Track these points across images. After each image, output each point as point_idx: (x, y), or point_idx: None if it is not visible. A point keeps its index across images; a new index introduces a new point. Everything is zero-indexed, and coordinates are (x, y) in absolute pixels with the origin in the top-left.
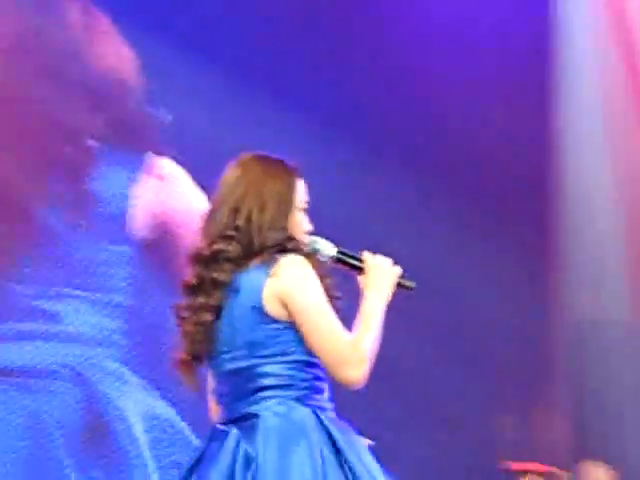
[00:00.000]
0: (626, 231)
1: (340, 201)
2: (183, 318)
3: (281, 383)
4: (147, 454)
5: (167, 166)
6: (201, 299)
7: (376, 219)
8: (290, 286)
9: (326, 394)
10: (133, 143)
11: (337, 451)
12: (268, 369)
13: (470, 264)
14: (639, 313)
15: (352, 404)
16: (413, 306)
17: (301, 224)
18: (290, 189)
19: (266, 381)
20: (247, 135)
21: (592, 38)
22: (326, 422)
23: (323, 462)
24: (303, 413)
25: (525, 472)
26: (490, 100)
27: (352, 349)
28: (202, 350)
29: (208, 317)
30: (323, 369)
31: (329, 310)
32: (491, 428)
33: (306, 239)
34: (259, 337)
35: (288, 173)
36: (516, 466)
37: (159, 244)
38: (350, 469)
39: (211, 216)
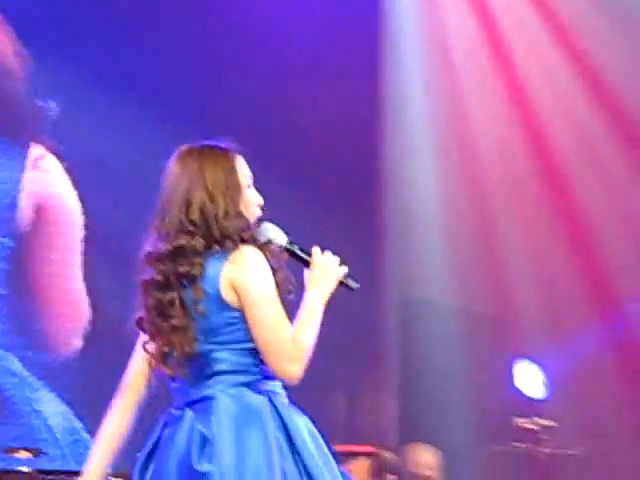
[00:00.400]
0: (449, 217)
1: None
2: (154, 315)
3: (235, 369)
4: None
5: (47, 159)
6: (172, 294)
7: None
8: (242, 274)
9: (279, 381)
10: (19, 134)
11: (289, 438)
12: (223, 355)
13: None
14: (462, 296)
15: None
16: None
17: (252, 200)
18: (231, 172)
19: (221, 366)
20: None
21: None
22: (280, 408)
23: (278, 449)
24: (258, 399)
25: (352, 454)
26: (323, 93)
27: (292, 344)
28: (176, 342)
29: (180, 311)
30: None
31: (276, 302)
32: (320, 408)
33: (260, 227)
34: (216, 323)
35: (224, 156)
36: (342, 448)
37: (35, 237)
38: (299, 456)
39: (161, 214)
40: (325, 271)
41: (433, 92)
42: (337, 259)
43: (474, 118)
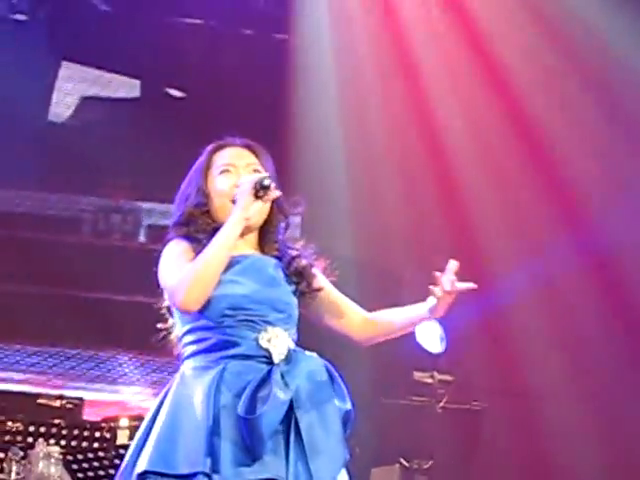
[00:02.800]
0: (350, 169)
1: None
2: None
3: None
4: None
5: None
6: None
7: None
8: None
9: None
10: None
11: None
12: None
13: None
14: (364, 250)
15: None
16: None
17: (218, 187)
18: (196, 171)
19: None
20: None
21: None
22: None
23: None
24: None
25: None
26: None
27: (175, 280)
28: None
29: None
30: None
31: (169, 265)
32: None
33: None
34: None
35: (198, 163)
36: None
37: None
38: None
39: None
40: (239, 191)
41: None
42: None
43: None
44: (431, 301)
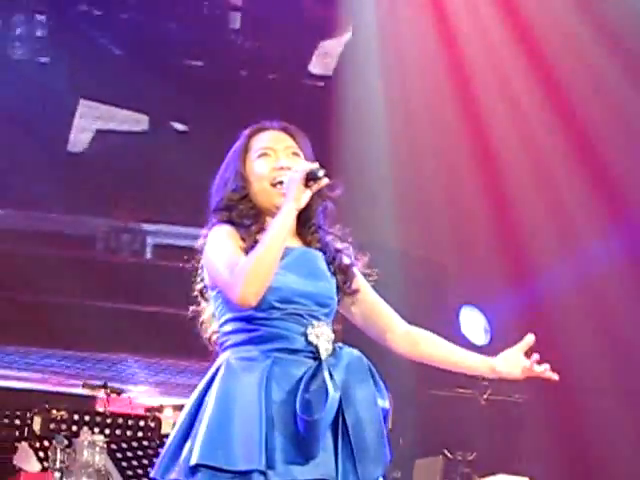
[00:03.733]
0: (395, 161)
1: None
2: None
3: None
4: None
5: None
6: None
7: None
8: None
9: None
10: None
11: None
12: None
13: None
14: (409, 241)
15: None
16: None
17: (257, 170)
18: (233, 155)
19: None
20: None
21: None
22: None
23: None
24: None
25: None
26: None
27: (229, 274)
28: None
29: None
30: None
31: (221, 252)
32: None
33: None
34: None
35: (236, 147)
36: None
37: None
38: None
39: None
40: (286, 185)
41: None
42: (299, 164)
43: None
44: (495, 361)
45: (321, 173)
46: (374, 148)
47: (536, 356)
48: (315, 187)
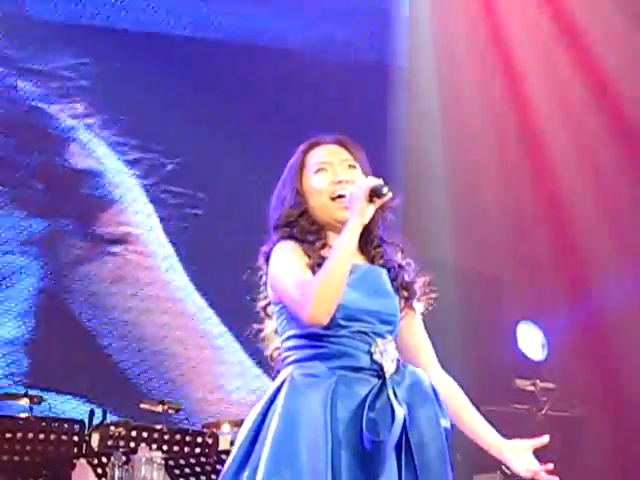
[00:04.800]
0: (451, 175)
1: None
2: None
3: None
4: None
5: None
6: None
7: None
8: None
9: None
10: None
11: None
12: None
13: None
14: (464, 256)
15: None
16: None
17: (314, 186)
18: (289, 172)
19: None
20: None
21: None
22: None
23: None
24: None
25: None
26: None
27: (298, 295)
28: None
29: None
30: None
31: (289, 272)
32: None
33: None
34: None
35: (291, 163)
36: None
37: None
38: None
39: None
40: (351, 200)
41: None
42: (364, 180)
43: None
44: (506, 447)
45: (385, 190)
46: (430, 159)
47: (550, 466)
48: (379, 202)
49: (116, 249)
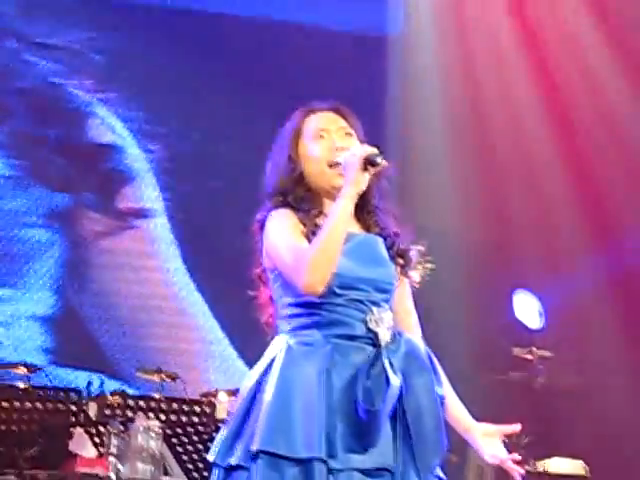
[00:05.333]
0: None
1: None
2: None
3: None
4: None
5: None
6: None
7: None
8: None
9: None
10: None
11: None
12: None
13: None
14: (462, 224)
15: None
16: None
17: (311, 152)
18: (285, 136)
19: None
20: None
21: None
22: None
23: None
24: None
25: None
26: None
27: (294, 262)
28: None
29: None
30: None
31: (284, 238)
32: None
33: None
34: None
35: (287, 130)
36: None
37: None
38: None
39: None
40: (346, 167)
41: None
42: (357, 146)
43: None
44: (478, 431)
45: (379, 158)
46: (429, 126)
47: (517, 456)
48: (373, 171)
49: (137, 223)
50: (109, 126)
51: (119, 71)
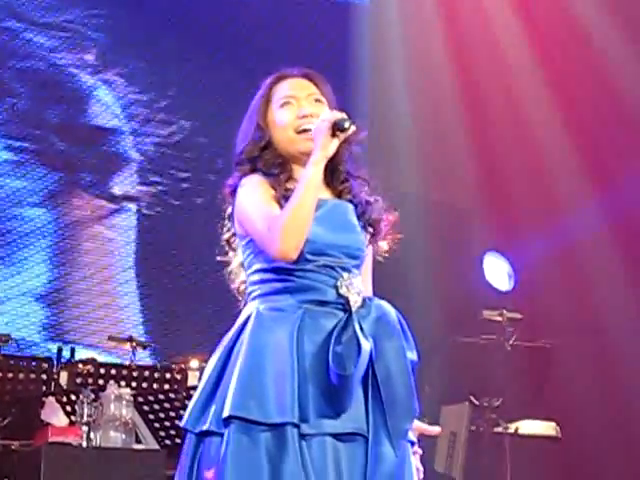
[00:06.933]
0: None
1: None
2: None
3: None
4: None
5: None
6: None
7: None
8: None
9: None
10: None
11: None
12: None
13: None
14: (430, 187)
15: None
16: None
17: (279, 119)
18: (256, 105)
19: None
20: None
21: None
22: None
23: None
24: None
25: None
26: None
27: (265, 229)
28: None
29: None
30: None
31: (254, 203)
32: None
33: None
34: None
35: (257, 97)
36: None
37: None
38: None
39: None
40: (315, 134)
41: None
42: (327, 113)
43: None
44: None
45: (347, 124)
46: (395, 94)
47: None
48: (342, 136)
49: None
50: (107, 107)
51: (119, 49)
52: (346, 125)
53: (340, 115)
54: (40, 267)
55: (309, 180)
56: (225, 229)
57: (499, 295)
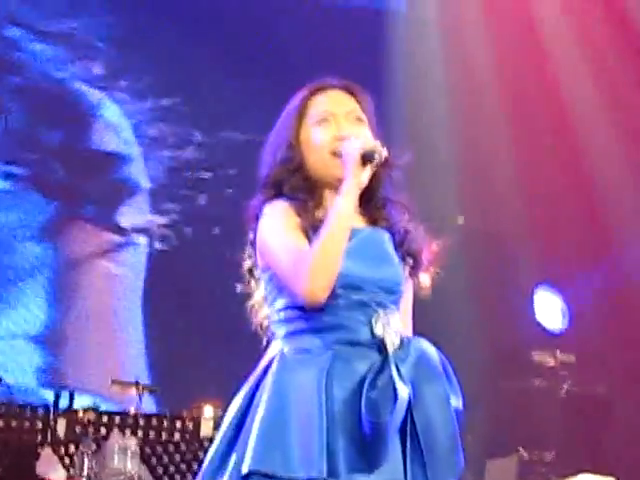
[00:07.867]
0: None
1: None
2: None
3: None
4: None
5: None
6: None
7: None
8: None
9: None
10: None
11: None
12: None
13: None
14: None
15: None
16: None
17: (314, 138)
18: (286, 119)
19: None
20: None
21: None
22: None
23: None
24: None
25: None
26: None
27: (292, 266)
28: None
29: None
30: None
31: (281, 237)
32: None
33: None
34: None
35: (290, 110)
36: None
37: None
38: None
39: None
40: (345, 162)
41: None
42: (356, 139)
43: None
44: None
45: (376, 155)
46: (436, 116)
47: None
48: (373, 165)
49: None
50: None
51: (125, 58)
52: (375, 156)
53: (370, 145)
54: (35, 305)
55: (340, 213)
56: (247, 255)
57: (550, 335)
